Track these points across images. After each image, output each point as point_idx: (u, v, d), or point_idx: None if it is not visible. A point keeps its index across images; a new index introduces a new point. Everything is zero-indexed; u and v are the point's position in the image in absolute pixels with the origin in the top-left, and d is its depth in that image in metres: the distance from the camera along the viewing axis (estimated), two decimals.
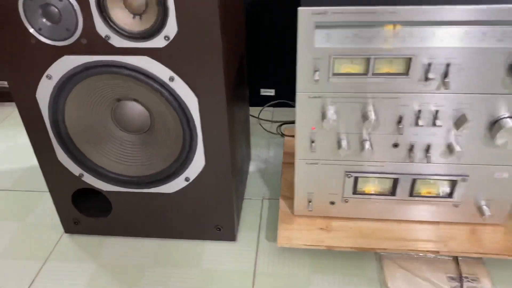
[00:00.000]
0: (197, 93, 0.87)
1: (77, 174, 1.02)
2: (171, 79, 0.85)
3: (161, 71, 0.85)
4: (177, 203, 1.05)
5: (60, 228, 1.17)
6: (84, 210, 1.11)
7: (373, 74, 0.83)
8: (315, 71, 0.83)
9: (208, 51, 0.82)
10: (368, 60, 0.82)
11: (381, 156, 0.94)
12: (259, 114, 1.64)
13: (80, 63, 0.86)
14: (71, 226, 1.14)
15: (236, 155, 1.07)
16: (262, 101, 1.66)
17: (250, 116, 1.63)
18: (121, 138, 1.00)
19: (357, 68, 0.84)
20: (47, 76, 0.88)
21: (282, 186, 1.16)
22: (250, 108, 1.69)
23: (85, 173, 1.02)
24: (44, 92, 0.90)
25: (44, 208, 1.26)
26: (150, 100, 0.92)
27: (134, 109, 0.96)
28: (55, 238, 1.15)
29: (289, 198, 1.12)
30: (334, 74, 0.84)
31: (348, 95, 0.86)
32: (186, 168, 0.98)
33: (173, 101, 0.88)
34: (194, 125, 0.91)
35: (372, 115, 0.86)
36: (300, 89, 0.87)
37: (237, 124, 1.09)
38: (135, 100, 0.95)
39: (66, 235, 1.16)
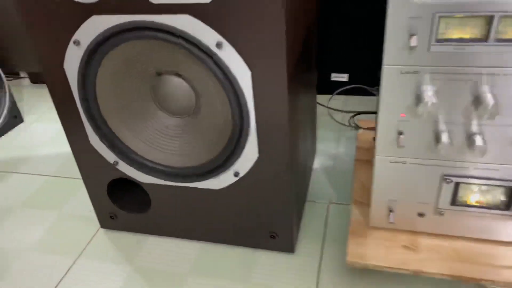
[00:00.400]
0: (251, 65, 0.68)
1: (111, 161, 0.88)
2: (219, 45, 0.67)
3: (206, 34, 0.66)
4: (225, 202, 0.87)
5: (97, 222, 1.04)
6: (121, 203, 0.97)
7: (496, 40, 0.59)
8: (411, 35, 0.61)
9: (267, 9, 0.62)
10: (489, 20, 0.58)
11: (496, 156, 0.69)
12: (328, 102, 1.42)
13: (110, 25, 0.70)
14: (107, 221, 1.00)
15: (297, 147, 0.86)
16: (333, 87, 1.44)
17: (317, 105, 1.42)
18: (161, 120, 0.84)
19: (472, 31, 0.60)
20: (74, 42, 0.73)
21: (355, 189, 0.94)
22: (318, 95, 1.47)
23: (120, 161, 0.87)
24: (72, 62, 0.76)
25: (84, 197, 1.14)
26: (195, 74, 0.75)
27: (177, 86, 0.79)
28: (90, 233, 1.02)
29: (364, 204, 0.90)
30: (438, 40, 0.61)
31: (456, 70, 0.63)
32: (236, 160, 0.79)
33: (220, 74, 0.69)
34: (245, 106, 0.72)
35: (489, 99, 0.62)
36: (388, 61, 0.64)
37: (300, 111, 0.89)
38: (177, 74, 0.78)
39: (102, 230, 1.02)
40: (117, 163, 0.87)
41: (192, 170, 0.84)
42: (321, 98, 1.45)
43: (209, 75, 0.72)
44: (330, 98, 1.41)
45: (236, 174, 0.81)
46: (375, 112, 0.77)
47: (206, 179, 0.83)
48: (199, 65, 0.71)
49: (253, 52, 0.67)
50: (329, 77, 1.43)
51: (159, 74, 0.79)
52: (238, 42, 0.67)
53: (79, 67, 0.76)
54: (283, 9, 0.62)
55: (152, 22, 0.68)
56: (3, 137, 1.47)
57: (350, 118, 1.35)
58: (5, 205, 1.15)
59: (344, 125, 1.33)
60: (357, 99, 1.43)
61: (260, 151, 0.77)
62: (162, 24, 0.67)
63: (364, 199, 0.90)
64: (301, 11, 0.79)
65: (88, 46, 0.73)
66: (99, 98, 0.80)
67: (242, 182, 0.82)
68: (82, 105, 0.81)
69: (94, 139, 0.85)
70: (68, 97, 0.81)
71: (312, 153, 1.13)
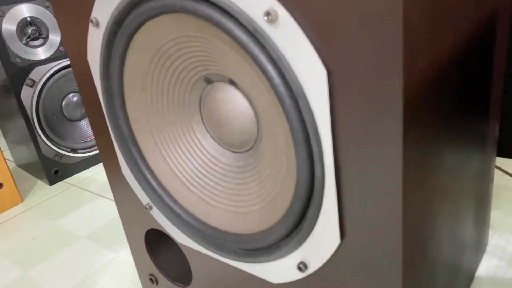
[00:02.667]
0: (329, 61, 0.34)
1: (144, 203, 0.61)
2: (269, 15, 0.34)
3: None
4: None
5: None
6: (163, 265, 0.69)
7: None
8: None
9: None
10: None
11: None
12: None
13: None
14: (148, 285, 0.73)
15: (429, 236, 0.46)
16: None
17: (497, 171, 0.93)
18: (210, 152, 0.54)
19: None
20: (92, 22, 0.50)
21: None
22: (501, 159, 0.98)
23: (153, 205, 0.60)
24: (94, 51, 0.53)
25: None
26: (248, 78, 0.43)
27: (230, 101, 0.49)
28: None
29: None
30: None
31: None
32: (301, 242, 0.43)
33: (270, 68, 0.36)
34: (316, 139, 0.37)
35: None
36: None
37: (444, 174, 0.48)
38: (231, 81, 0.48)
39: None
40: (150, 207, 0.60)
41: (236, 240, 0.50)
42: (508, 163, 0.95)
43: (261, 78, 0.40)
44: None
45: (301, 267, 0.45)
46: None
47: (254, 262, 0.49)
48: (247, 59, 0.40)
49: (333, 35, 0.33)
50: None
51: (208, 80, 0.50)
52: (305, 13, 0.33)
53: (100, 58, 0.52)
54: None
55: None
56: None
57: None
58: (73, 232, 0.99)
59: None
60: None
61: (344, 233, 0.40)
62: None
63: None
64: None
65: (107, 26, 0.49)
66: (128, 105, 0.55)
67: (312, 282, 0.45)
68: (107, 114, 0.57)
69: (125, 168, 0.60)
70: (96, 103, 0.59)
71: (475, 250, 0.67)
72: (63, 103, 1.24)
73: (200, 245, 0.55)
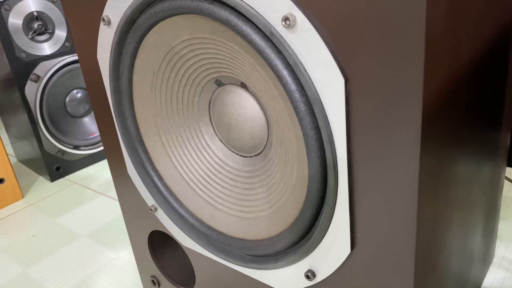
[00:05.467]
0: (347, 68, 0.33)
1: (149, 204, 0.60)
2: (287, 20, 0.34)
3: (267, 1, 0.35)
4: None
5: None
6: (166, 268, 0.68)
7: None
8: None
9: None
10: None
11: None
12: None
13: None
14: (149, 287, 0.72)
15: (439, 246, 0.45)
16: None
17: (506, 181, 0.92)
18: (218, 155, 0.53)
19: None
20: (103, 20, 0.50)
21: None
22: (510, 170, 0.97)
23: (158, 207, 0.59)
24: (104, 49, 0.52)
25: None
26: (260, 82, 0.43)
27: (242, 104, 0.48)
28: None
29: None
30: None
31: None
32: (311, 250, 0.43)
33: (285, 73, 0.36)
34: (332, 147, 0.36)
35: None
36: None
37: (455, 184, 0.48)
38: (243, 86, 0.47)
39: None
40: (155, 209, 0.59)
41: (242, 246, 0.50)
42: None
43: (275, 83, 0.39)
44: None
45: (309, 275, 0.44)
46: None
47: (261, 268, 0.48)
48: (262, 63, 0.39)
49: (353, 41, 0.32)
50: None
51: (219, 83, 0.49)
52: (325, 20, 0.33)
53: (111, 57, 0.52)
54: None
55: None
56: None
57: None
58: (74, 230, 0.99)
59: None
60: None
61: (355, 243, 0.40)
62: None
63: None
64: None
65: (119, 25, 0.48)
66: (136, 105, 0.54)
67: None
68: (115, 113, 0.56)
69: (132, 170, 0.60)
70: (104, 102, 0.58)
71: (482, 261, 0.67)
72: (67, 99, 1.23)
73: (205, 249, 0.55)
